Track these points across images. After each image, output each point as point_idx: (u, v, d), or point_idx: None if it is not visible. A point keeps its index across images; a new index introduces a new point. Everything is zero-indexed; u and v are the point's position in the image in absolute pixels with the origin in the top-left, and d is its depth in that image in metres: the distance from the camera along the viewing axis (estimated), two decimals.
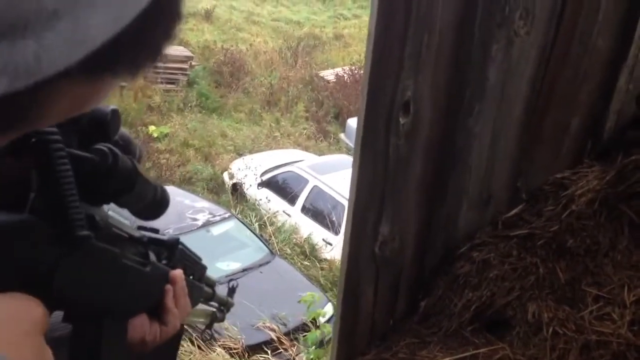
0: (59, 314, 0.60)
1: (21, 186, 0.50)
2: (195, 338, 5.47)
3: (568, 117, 1.81)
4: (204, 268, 0.94)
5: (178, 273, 0.78)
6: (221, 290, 1.11)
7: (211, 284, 1.01)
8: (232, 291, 1.18)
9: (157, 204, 0.66)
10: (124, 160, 0.58)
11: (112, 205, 0.63)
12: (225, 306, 1.14)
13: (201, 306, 1.03)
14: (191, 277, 0.88)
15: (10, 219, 0.48)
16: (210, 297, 1.04)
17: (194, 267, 0.89)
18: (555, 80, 1.70)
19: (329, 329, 4.97)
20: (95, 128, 0.56)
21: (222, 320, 1.15)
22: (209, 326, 1.13)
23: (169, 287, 0.77)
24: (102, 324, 0.64)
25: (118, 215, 0.65)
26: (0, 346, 0.43)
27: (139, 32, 0.37)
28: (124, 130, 0.61)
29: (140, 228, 0.74)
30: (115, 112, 0.57)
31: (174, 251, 0.79)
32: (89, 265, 0.57)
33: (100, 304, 0.63)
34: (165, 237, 0.77)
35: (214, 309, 1.11)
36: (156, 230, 0.76)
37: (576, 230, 1.70)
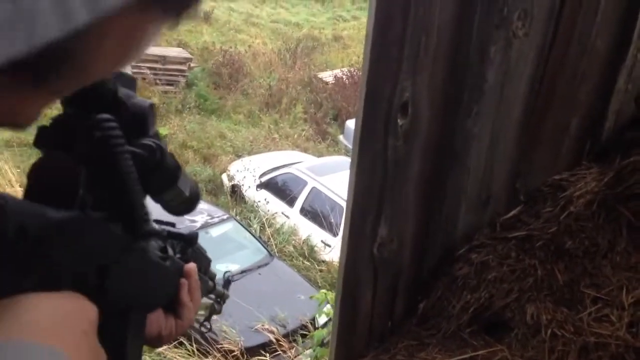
0: None
1: (70, 181, 0.49)
2: (192, 341, 5.47)
3: (567, 118, 1.81)
4: (210, 261, 0.94)
5: (192, 267, 0.78)
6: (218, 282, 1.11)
7: (212, 276, 1.01)
8: (227, 283, 1.17)
9: (192, 200, 0.66)
10: (170, 156, 0.57)
11: None
12: (221, 298, 1.13)
13: (203, 299, 1.02)
14: (199, 270, 0.87)
15: (65, 215, 0.47)
16: (211, 290, 1.04)
17: (203, 260, 0.89)
18: (554, 81, 1.70)
19: (326, 331, 4.97)
20: (136, 122, 0.55)
21: (220, 312, 1.14)
22: (208, 318, 1.12)
23: (184, 281, 0.76)
24: (127, 319, 0.62)
25: None
26: (60, 345, 0.42)
27: None
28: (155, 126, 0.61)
29: (156, 222, 0.73)
30: (152, 106, 0.57)
31: (192, 245, 0.78)
32: (135, 263, 0.57)
33: (133, 299, 0.62)
34: (185, 232, 0.77)
35: (212, 301, 1.10)
36: (173, 224, 0.76)
37: (574, 231, 1.69)
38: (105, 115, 0.48)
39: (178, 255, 0.77)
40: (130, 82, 0.56)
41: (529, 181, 1.81)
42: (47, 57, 0.31)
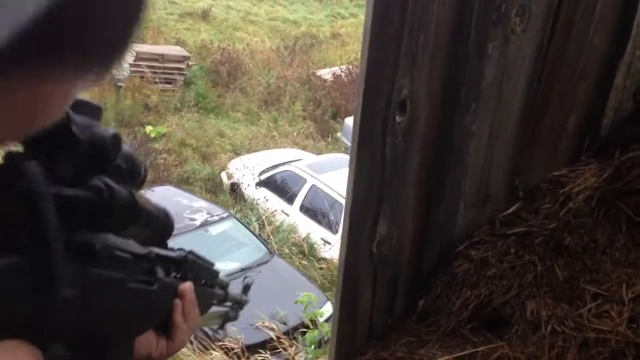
0: None
1: (10, 225, 0.47)
2: (192, 339, 5.47)
3: (565, 115, 1.81)
4: (216, 273, 0.92)
5: (187, 287, 0.76)
6: (235, 289, 1.09)
7: (224, 285, 0.99)
8: (246, 288, 1.16)
9: (163, 230, 0.65)
10: (122, 195, 0.54)
11: None
12: (239, 304, 1.11)
13: (214, 308, 1.01)
14: (203, 284, 0.86)
15: (1, 262, 0.46)
16: (223, 299, 1.02)
17: (206, 274, 0.87)
18: (552, 78, 1.69)
19: (327, 329, 4.97)
20: (95, 154, 0.52)
21: (236, 318, 1.12)
22: (222, 326, 1.11)
23: (177, 302, 0.74)
24: (107, 346, 0.61)
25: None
26: None
27: (80, 14, 0.31)
28: (127, 148, 0.58)
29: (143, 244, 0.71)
30: (115, 137, 0.54)
31: (181, 266, 0.76)
32: (91, 298, 0.55)
33: (103, 329, 0.61)
34: (173, 254, 0.75)
35: (227, 309, 1.09)
36: (165, 244, 0.74)
37: (574, 227, 1.69)
38: (29, 163, 0.46)
39: (174, 274, 0.75)
40: (93, 110, 0.54)
41: (528, 178, 1.81)
42: None
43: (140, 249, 0.66)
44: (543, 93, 1.70)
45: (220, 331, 1.16)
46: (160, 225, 0.64)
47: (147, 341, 0.72)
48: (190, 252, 0.79)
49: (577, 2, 1.65)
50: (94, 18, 0.32)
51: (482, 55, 1.52)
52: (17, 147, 0.49)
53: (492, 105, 1.61)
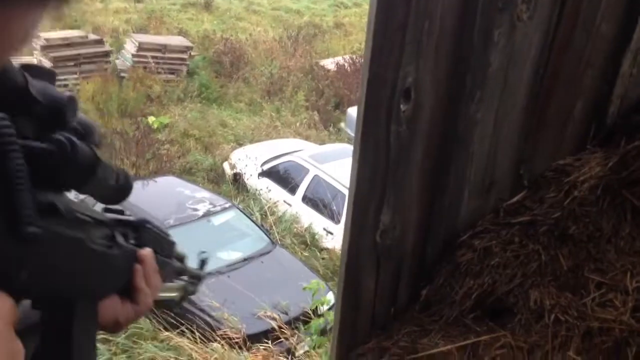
0: (28, 302, 0.61)
1: None
2: (195, 329, 5.50)
3: (571, 103, 1.79)
4: (173, 243, 0.95)
5: (147, 252, 0.79)
6: (191, 263, 1.10)
7: (181, 258, 1.01)
8: (202, 263, 1.17)
9: (119, 189, 0.67)
10: (83, 149, 0.57)
11: None
12: (197, 279, 1.13)
13: (173, 281, 1.02)
14: (161, 255, 0.88)
15: None
16: (181, 272, 1.04)
17: (163, 244, 0.90)
18: (559, 65, 1.68)
19: (331, 316, 4.98)
20: (52, 115, 0.55)
21: (195, 292, 1.14)
22: (182, 299, 1.13)
23: (138, 266, 0.77)
24: (73, 308, 0.64)
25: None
26: None
27: None
28: (83, 115, 0.61)
29: (106, 210, 0.74)
30: (72, 99, 0.57)
31: (141, 231, 0.79)
32: (52, 254, 0.57)
33: (67, 290, 0.63)
34: (131, 218, 0.78)
35: (185, 282, 1.10)
36: (121, 212, 0.77)
37: (579, 216, 1.69)
38: None
39: (132, 242, 0.78)
40: (48, 75, 0.57)
41: (533, 166, 1.80)
42: None
43: (99, 215, 0.69)
44: (549, 81, 1.68)
45: (180, 304, 1.17)
46: (116, 183, 0.65)
47: (113, 306, 0.75)
48: (146, 220, 0.82)
49: None
50: None
51: (488, 42, 1.50)
52: None
53: (498, 93, 1.60)
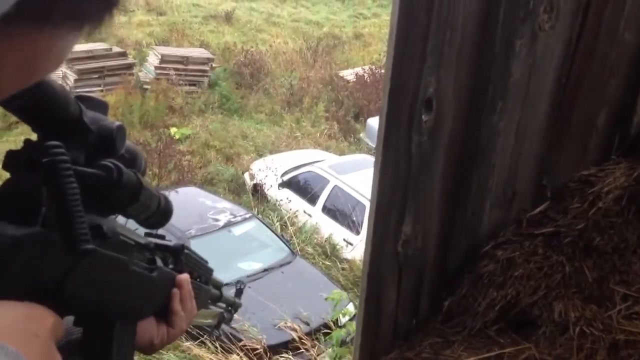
0: (71, 319, 0.64)
1: (34, 200, 0.53)
2: (214, 340, 5.51)
3: (595, 113, 1.78)
4: (210, 271, 0.98)
5: (184, 277, 0.81)
6: (229, 291, 1.13)
7: (218, 285, 1.04)
8: (239, 292, 1.21)
9: (161, 214, 0.69)
10: (128, 175, 0.61)
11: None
12: (232, 307, 1.16)
13: (210, 307, 1.05)
14: (197, 280, 0.91)
15: (23, 232, 0.51)
16: (217, 299, 1.07)
17: (200, 270, 0.93)
18: (581, 75, 1.67)
19: (353, 327, 4.96)
20: (103, 143, 0.59)
21: (230, 320, 1.18)
22: (217, 326, 1.16)
23: (175, 290, 0.80)
24: (113, 327, 0.67)
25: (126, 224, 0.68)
26: (10, 342, 0.47)
27: None
28: (130, 143, 0.65)
29: (147, 235, 0.77)
30: (120, 128, 0.61)
31: (179, 256, 0.82)
32: (98, 273, 0.60)
33: (109, 309, 0.66)
34: (170, 243, 0.81)
35: (222, 310, 1.12)
36: (162, 237, 0.80)
37: (603, 227, 1.66)
38: (53, 142, 0.52)
39: (171, 267, 0.80)
40: (101, 106, 0.61)
41: (556, 177, 1.78)
42: None
43: (141, 239, 0.72)
44: (572, 90, 1.67)
45: (215, 331, 1.20)
46: (158, 208, 0.68)
47: (149, 328, 0.77)
48: (185, 246, 0.85)
49: None
50: None
51: (510, 52, 1.50)
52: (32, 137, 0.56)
53: (520, 103, 1.59)
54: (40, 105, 0.53)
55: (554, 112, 1.68)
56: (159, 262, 0.76)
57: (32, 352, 0.48)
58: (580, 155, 1.81)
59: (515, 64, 1.52)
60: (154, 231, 0.78)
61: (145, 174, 0.68)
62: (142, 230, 0.75)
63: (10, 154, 0.55)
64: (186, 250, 0.84)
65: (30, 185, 0.53)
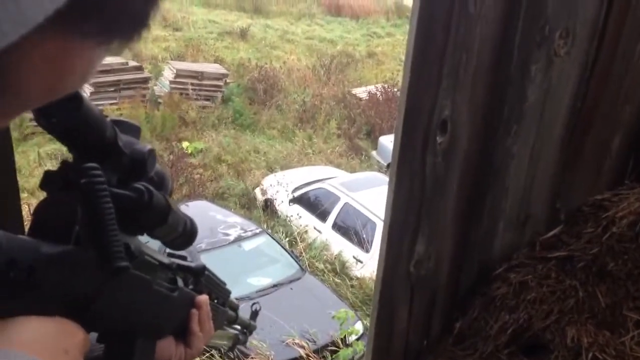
0: (94, 335, 0.65)
1: (68, 219, 0.55)
2: (223, 355, 5.49)
3: (609, 137, 1.78)
4: (228, 293, 0.99)
5: (203, 298, 0.83)
6: (244, 313, 1.13)
7: (234, 307, 1.05)
8: (254, 314, 1.21)
9: (187, 236, 0.71)
10: (158, 197, 0.63)
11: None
12: (247, 329, 1.17)
13: (225, 329, 1.06)
14: (215, 301, 0.92)
15: (57, 249, 0.53)
16: (233, 320, 1.08)
17: (219, 291, 0.94)
18: (597, 100, 1.67)
19: (360, 347, 4.93)
20: (135, 166, 0.61)
21: (245, 342, 1.18)
22: (232, 349, 1.16)
23: (194, 311, 0.81)
24: (134, 345, 0.69)
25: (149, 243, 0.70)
26: (41, 357, 0.48)
27: None
28: (158, 166, 0.67)
29: (169, 255, 0.79)
30: (151, 152, 0.63)
31: (199, 277, 0.84)
32: (125, 291, 0.63)
33: (132, 326, 0.68)
34: (192, 265, 0.82)
35: (237, 332, 1.13)
36: (184, 257, 0.81)
37: (617, 253, 1.66)
38: (91, 165, 0.54)
39: (191, 287, 0.82)
40: (133, 129, 0.63)
41: (570, 201, 1.78)
42: None
43: (164, 259, 0.74)
44: (586, 115, 1.68)
45: (230, 354, 1.20)
46: (184, 230, 0.70)
47: (168, 347, 0.78)
48: (205, 267, 0.86)
49: (622, 23, 1.63)
50: None
51: (525, 77, 1.51)
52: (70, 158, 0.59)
53: (534, 127, 1.60)
54: (79, 129, 0.55)
55: (568, 136, 1.68)
56: (180, 283, 0.77)
57: None
58: (594, 179, 1.81)
59: (531, 89, 1.54)
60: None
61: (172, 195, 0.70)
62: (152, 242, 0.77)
63: (47, 174, 0.57)
64: (206, 272, 0.85)
65: (65, 204, 0.55)
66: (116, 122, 0.61)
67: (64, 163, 0.57)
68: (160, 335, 0.77)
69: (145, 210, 0.61)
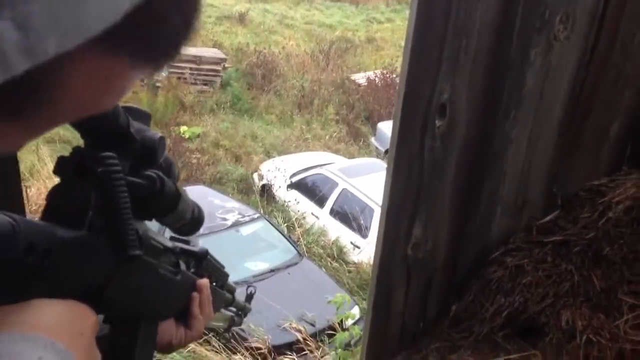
0: (100, 316, 0.66)
1: (81, 205, 0.56)
2: (218, 339, 5.53)
3: (607, 123, 1.79)
4: (227, 276, 1.00)
5: (204, 282, 0.84)
6: (240, 296, 1.15)
7: (231, 290, 1.07)
8: (249, 297, 1.23)
9: (194, 222, 0.72)
10: (169, 185, 0.64)
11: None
12: (243, 311, 1.18)
13: (222, 311, 1.07)
14: (214, 285, 0.94)
15: (71, 234, 0.54)
16: (230, 303, 1.09)
17: (218, 275, 0.95)
18: (596, 85, 1.68)
19: (357, 331, 4.97)
20: (145, 153, 0.62)
21: (240, 324, 1.20)
22: (227, 330, 1.18)
23: (195, 294, 0.82)
24: (139, 327, 0.70)
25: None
26: (58, 339, 0.49)
27: (157, 12, 0.35)
28: (166, 153, 0.67)
29: (171, 238, 0.80)
30: (162, 139, 0.64)
31: (202, 261, 0.85)
32: (135, 276, 0.64)
33: (139, 309, 0.69)
34: (195, 249, 0.84)
35: (233, 314, 1.14)
36: (187, 242, 0.82)
37: (613, 237, 1.67)
38: (107, 154, 0.55)
39: (192, 270, 0.83)
40: (144, 116, 0.64)
41: (567, 186, 1.79)
42: (21, 95, 0.33)
43: (168, 243, 0.75)
44: (585, 100, 1.68)
45: (226, 334, 1.22)
46: (192, 216, 0.71)
47: (169, 329, 0.80)
48: (207, 252, 0.87)
49: (622, 9, 1.63)
50: (169, 21, 0.37)
51: (524, 61, 1.52)
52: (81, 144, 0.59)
53: (533, 111, 1.61)
54: (93, 117, 0.56)
55: (567, 121, 1.69)
56: (183, 266, 0.79)
57: (79, 350, 0.50)
58: (591, 164, 1.82)
59: (530, 73, 1.54)
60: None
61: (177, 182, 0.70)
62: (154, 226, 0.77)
63: (60, 160, 0.58)
64: (208, 256, 0.86)
65: (79, 190, 0.56)
66: (127, 109, 0.61)
67: (76, 149, 0.58)
68: (163, 317, 0.78)
69: (157, 197, 0.62)
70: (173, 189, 0.64)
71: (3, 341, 0.44)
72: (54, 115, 0.38)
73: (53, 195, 0.57)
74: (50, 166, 8.29)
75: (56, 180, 0.58)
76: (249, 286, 1.25)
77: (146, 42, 0.37)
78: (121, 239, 0.55)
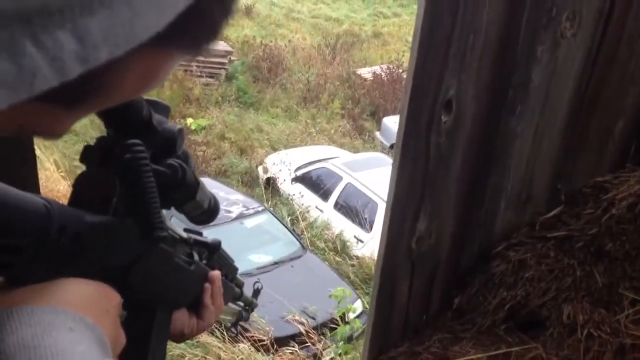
0: None
1: (107, 191, 0.58)
2: (222, 330, 5.57)
3: (613, 120, 1.80)
4: (236, 270, 1.03)
5: (216, 274, 0.86)
6: (247, 291, 1.17)
7: (240, 284, 1.09)
8: (256, 292, 1.25)
9: (210, 212, 0.75)
10: (190, 174, 0.66)
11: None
12: (250, 306, 1.20)
13: (229, 304, 1.09)
14: (225, 277, 0.95)
15: (98, 219, 0.56)
16: (238, 297, 1.11)
17: (228, 268, 0.98)
18: (601, 83, 1.69)
19: (358, 325, 5.00)
20: (166, 144, 0.64)
21: (247, 319, 1.22)
22: (235, 324, 1.20)
23: (207, 285, 0.84)
24: (154, 314, 0.73)
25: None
26: (86, 315, 0.51)
27: (200, 3, 0.37)
28: (183, 146, 0.70)
29: (185, 230, 0.82)
30: (181, 131, 0.66)
31: (215, 253, 0.87)
32: (155, 262, 0.66)
33: (157, 295, 0.72)
34: (209, 240, 0.86)
35: (240, 308, 1.16)
36: (200, 233, 0.85)
37: (615, 234, 1.69)
38: (135, 141, 0.58)
39: (204, 262, 0.85)
40: (164, 109, 0.66)
41: (571, 182, 1.81)
42: (77, 90, 0.35)
43: (184, 234, 0.78)
44: (591, 98, 1.70)
45: (233, 329, 1.24)
46: (209, 206, 0.74)
47: (182, 319, 0.82)
48: (220, 244, 0.89)
49: (628, 7, 1.64)
50: (210, 12, 0.39)
51: (531, 58, 1.53)
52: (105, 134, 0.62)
53: (539, 108, 1.62)
54: (120, 107, 0.58)
55: (572, 118, 1.70)
56: (196, 257, 0.81)
57: (106, 327, 0.53)
58: (596, 161, 1.84)
59: (536, 70, 1.55)
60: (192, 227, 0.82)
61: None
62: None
63: (86, 149, 0.60)
64: (220, 249, 0.89)
65: (104, 177, 0.58)
66: (149, 102, 0.64)
67: (101, 139, 0.61)
68: (177, 306, 0.80)
69: (179, 186, 0.65)
70: (192, 178, 0.67)
71: (35, 312, 0.47)
72: (102, 104, 0.41)
73: (79, 182, 0.60)
74: (55, 156, 8.36)
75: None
76: (256, 282, 1.26)
77: (192, 34, 0.40)
78: (148, 221, 0.57)
